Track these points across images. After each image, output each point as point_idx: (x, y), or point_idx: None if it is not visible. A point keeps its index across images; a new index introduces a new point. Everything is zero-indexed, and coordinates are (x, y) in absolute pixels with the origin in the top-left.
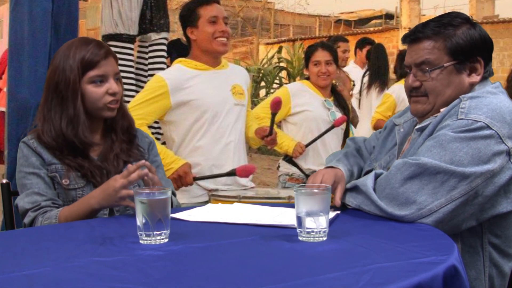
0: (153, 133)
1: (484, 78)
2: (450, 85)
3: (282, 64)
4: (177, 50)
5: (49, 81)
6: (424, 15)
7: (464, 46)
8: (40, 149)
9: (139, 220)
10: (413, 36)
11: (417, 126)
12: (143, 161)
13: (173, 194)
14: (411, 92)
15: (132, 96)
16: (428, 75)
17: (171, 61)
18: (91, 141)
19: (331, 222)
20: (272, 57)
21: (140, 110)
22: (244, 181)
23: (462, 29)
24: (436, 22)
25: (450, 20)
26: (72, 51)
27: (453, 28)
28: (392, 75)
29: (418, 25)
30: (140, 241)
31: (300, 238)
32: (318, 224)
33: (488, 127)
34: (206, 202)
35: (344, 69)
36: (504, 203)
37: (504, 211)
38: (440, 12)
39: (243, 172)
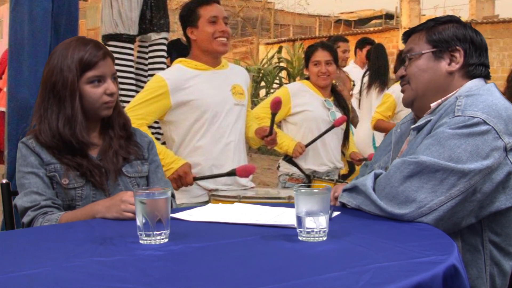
0: (153, 133)
1: (476, 76)
2: (427, 70)
3: (282, 64)
4: (177, 50)
5: (46, 80)
6: (424, 15)
7: (444, 36)
8: (39, 149)
9: (139, 220)
10: (409, 32)
11: (413, 126)
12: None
13: (172, 196)
14: (401, 82)
15: (132, 96)
16: (409, 62)
17: (171, 61)
18: (88, 140)
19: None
20: (272, 57)
21: (140, 110)
22: (244, 181)
23: (448, 25)
24: (431, 20)
25: (441, 18)
26: (70, 51)
27: (440, 23)
28: (392, 75)
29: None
30: (140, 241)
31: (300, 238)
32: (318, 224)
33: (485, 122)
34: (206, 202)
35: (344, 69)
36: (503, 199)
37: (503, 208)
38: (440, 12)
39: (243, 172)
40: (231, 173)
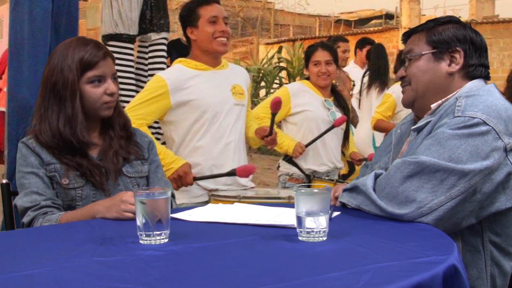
0: (153, 133)
1: (476, 77)
2: (427, 71)
3: (282, 64)
4: (177, 50)
5: (46, 80)
6: (424, 15)
7: (444, 37)
8: (39, 149)
9: (139, 220)
10: (408, 32)
11: (413, 127)
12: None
13: (172, 196)
14: (401, 83)
15: (132, 96)
16: (409, 63)
17: (171, 61)
18: (89, 140)
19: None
20: (272, 57)
21: (140, 110)
22: (244, 181)
23: (447, 25)
24: (430, 21)
25: (441, 19)
26: (71, 51)
27: (440, 24)
28: (392, 75)
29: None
30: (140, 241)
31: (300, 238)
32: (318, 224)
33: (484, 123)
34: (206, 202)
35: (344, 69)
36: (503, 200)
37: (503, 208)
38: (440, 12)
39: (243, 172)
40: (231, 173)
